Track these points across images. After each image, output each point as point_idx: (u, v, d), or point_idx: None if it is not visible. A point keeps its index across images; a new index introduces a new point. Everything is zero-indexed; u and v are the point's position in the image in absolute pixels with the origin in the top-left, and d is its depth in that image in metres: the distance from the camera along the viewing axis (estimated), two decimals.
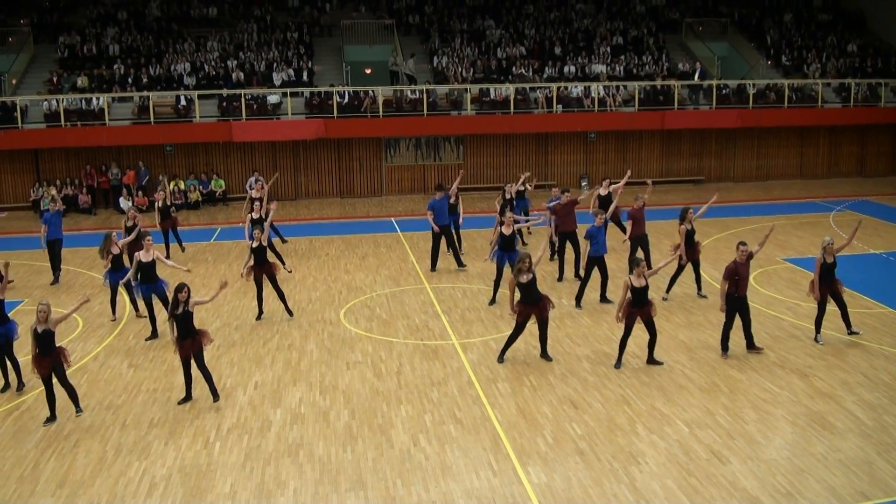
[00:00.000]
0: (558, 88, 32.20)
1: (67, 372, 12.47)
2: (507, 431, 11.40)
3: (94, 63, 33.37)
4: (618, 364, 13.70)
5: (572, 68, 34.13)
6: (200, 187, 30.67)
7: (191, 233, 25.84)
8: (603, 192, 20.83)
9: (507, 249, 17.16)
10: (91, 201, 30.25)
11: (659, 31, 37.67)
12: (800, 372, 13.46)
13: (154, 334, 15.84)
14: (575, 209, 19.11)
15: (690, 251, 17.04)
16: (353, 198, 32.11)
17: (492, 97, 32.14)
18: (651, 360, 13.79)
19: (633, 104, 32.48)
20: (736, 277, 13.86)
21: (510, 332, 14.17)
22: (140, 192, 30.09)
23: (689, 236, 16.96)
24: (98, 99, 30.70)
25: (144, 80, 32.18)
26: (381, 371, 13.84)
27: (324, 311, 17.28)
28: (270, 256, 18.09)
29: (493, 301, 17.49)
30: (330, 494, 9.95)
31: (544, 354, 14.13)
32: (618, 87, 32.78)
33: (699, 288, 17.81)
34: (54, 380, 12.19)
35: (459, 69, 33.40)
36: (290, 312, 16.90)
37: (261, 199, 20.91)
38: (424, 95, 31.24)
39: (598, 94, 32.17)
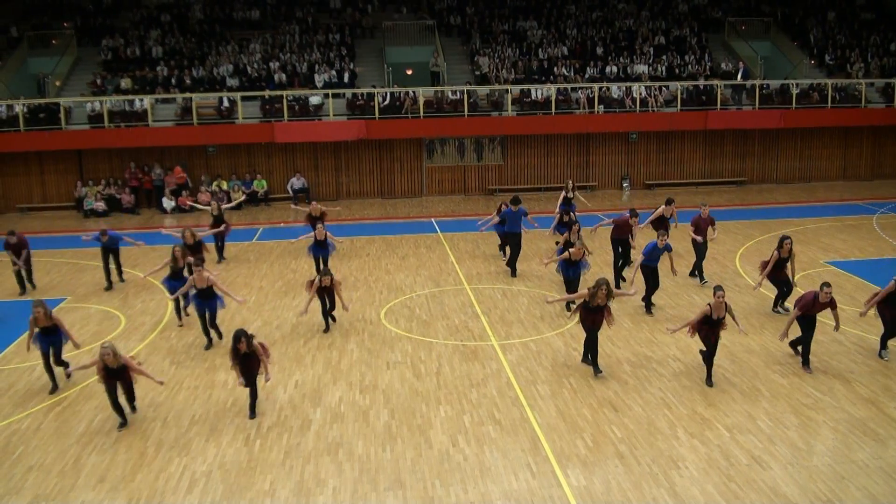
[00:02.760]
0: (600, 89, 32.03)
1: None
2: (547, 433, 11.36)
3: (137, 65, 33.85)
4: (709, 381, 13.01)
5: (614, 68, 33.96)
6: (243, 187, 30.93)
7: (233, 232, 26.04)
8: (667, 214, 19.73)
9: (570, 263, 16.62)
10: (134, 201, 30.65)
11: (701, 31, 37.33)
12: (842, 377, 13.26)
13: (209, 345, 15.44)
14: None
15: (778, 273, 16.14)
16: (393, 198, 32.22)
17: (533, 98, 32.06)
18: (709, 381, 13.02)
19: (676, 104, 32.21)
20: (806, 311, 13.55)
21: (552, 331, 14.12)
22: (184, 192, 30.43)
23: (780, 264, 16.01)
24: (141, 100, 31.13)
25: (187, 81, 32.57)
26: (421, 371, 13.87)
27: (364, 311, 17.36)
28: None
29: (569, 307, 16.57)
30: (369, 493, 9.99)
31: (590, 363, 13.78)
32: (660, 88, 32.53)
33: (777, 304, 16.81)
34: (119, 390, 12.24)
35: (500, 70, 33.35)
36: (330, 322, 16.28)
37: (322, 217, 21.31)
38: (465, 96, 31.25)
39: (640, 94, 31.95)
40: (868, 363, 13.83)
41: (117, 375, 11.91)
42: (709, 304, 12.77)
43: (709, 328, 12.88)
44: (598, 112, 31.77)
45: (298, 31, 36.09)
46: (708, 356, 13.08)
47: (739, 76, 33.97)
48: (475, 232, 24.86)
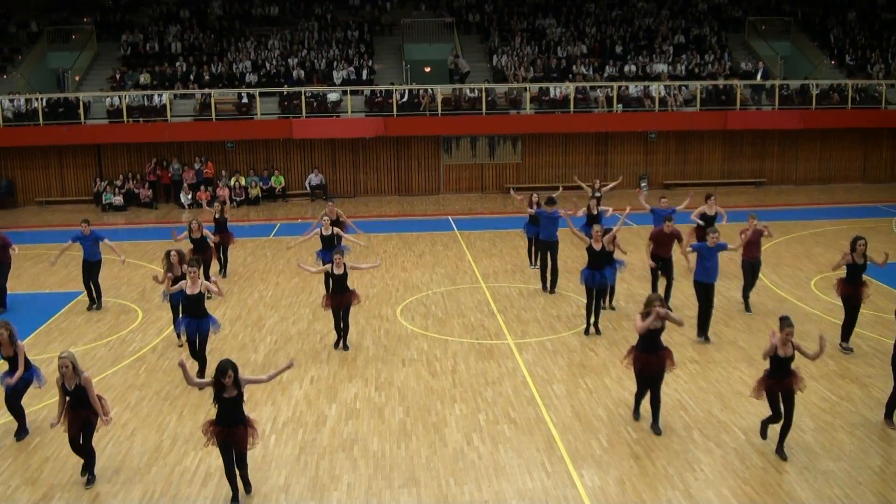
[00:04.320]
0: (619, 88, 31.93)
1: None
2: (562, 433, 11.34)
3: (156, 60, 34.04)
4: (781, 454, 10.64)
5: (633, 67, 33.84)
6: (261, 183, 31.04)
7: (250, 228, 26.24)
8: (710, 210, 18.36)
9: (596, 268, 15.19)
10: (152, 196, 30.81)
11: (721, 30, 37.12)
12: (859, 381, 13.16)
13: (202, 373, 13.46)
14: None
15: (853, 289, 14.24)
16: (410, 196, 32.24)
17: (551, 96, 31.99)
18: (780, 452, 10.67)
19: (695, 104, 32.06)
20: None
21: (568, 331, 14.05)
22: (202, 187, 30.55)
23: (856, 273, 14.21)
24: (160, 96, 31.29)
25: (206, 77, 32.71)
26: (436, 369, 13.87)
27: (380, 308, 17.37)
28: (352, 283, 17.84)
29: (588, 331, 15.47)
30: (383, 490, 10.00)
31: (655, 425, 11.39)
32: (679, 87, 32.40)
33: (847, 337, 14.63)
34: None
35: (519, 68, 33.30)
36: (346, 346, 15.00)
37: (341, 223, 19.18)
38: (483, 94, 31.22)
39: (660, 93, 31.84)
40: (885, 367, 13.65)
41: (74, 396, 10.17)
42: (774, 339, 10.53)
43: (775, 382, 10.60)
44: (616, 111, 31.68)
45: (317, 28, 36.18)
46: (775, 420, 10.76)
47: (759, 76, 33.79)
48: (492, 230, 24.96)
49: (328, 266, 14.67)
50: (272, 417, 12.12)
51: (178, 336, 15.10)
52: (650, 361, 11.13)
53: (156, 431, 11.80)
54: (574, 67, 33.59)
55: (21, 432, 11.72)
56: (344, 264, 14.42)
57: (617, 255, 16.16)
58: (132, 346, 15.49)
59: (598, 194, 20.76)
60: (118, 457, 11.04)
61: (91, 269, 17.74)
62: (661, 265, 16.54)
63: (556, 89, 32.05)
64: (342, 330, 14.89)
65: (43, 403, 12.81)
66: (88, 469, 10.39)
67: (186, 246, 17.96)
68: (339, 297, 14.62)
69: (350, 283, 14.80)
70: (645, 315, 11.05)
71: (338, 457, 10.86)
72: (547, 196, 18.52)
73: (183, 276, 14.43)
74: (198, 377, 13.01)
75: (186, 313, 13.42)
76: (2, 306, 17.85)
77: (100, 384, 13.50)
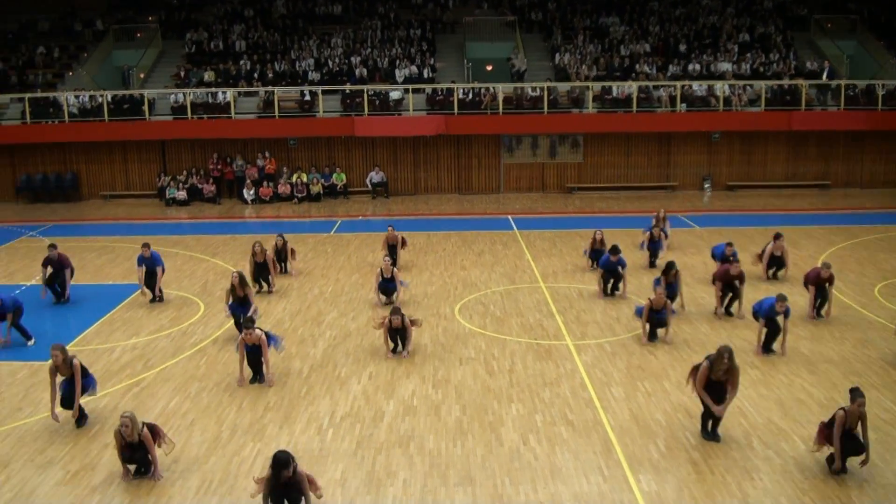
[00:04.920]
0: (682, 87, 31.51)
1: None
2: (619, 437, 11.20)
3: (220, 58, 34.58)
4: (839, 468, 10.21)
5: (697, 66, 33.33)
6: (322, 180, 31.30)
7: (311, 224, 26.49)
8: (777, 251, 18.24)
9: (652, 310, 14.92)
10: (215, 191, 31.27)
11: (786, 28, 36.33)
12: None
13: (254, 378, 13.48)
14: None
15: None
16: (470, 194, 32.22)
17: (614, 95, 31.70)
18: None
19: (759, 104, 31.48)
20: None
21: (628, 333, 13.84)
22: (265, 183, 30.94)
23: None
24: (224, 93, 31.75)
25: (270, 75, 33.09)
26: (494, 368, 13.83)
27: (439, 306, 17.38)
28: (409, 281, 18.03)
29: (654, 337, 15.06)
30: (438, 488, 9.99)
31: (714, 432, 11.21)
32: (744, 87, 31.83)
33: None
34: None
35: (581, 66, 33.07)
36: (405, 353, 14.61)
37: (394, 247, 19.94)
38: (545, 93, 31.07)
39: (724, 93, 31.33)
40: None
41: (136, 452, 10.24)
42: (843, 409, 10.03)
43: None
44: (680, 111, 31.26)
45: (380, 27, 36.37)
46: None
47: (824, 76, 32.99)
48: (552, 230, 24.80)
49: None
50: (330, 412, 12.19)
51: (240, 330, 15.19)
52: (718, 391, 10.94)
53: (215, 422, 11.96)
54: (637, 66, 33.24)
55: (80, 420, 12.00)
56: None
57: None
58: (193, 337, 15.73)
59: (662, 227, 20.71)
60: (177, 446, 11.20)
61: (154, 276, 17.97)
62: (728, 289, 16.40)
63: (619, 88, 31.74)
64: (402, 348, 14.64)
65: (104, 392, 13.08)
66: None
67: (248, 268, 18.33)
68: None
69: (408, 282, 14.91)
70: (708, 359, 10.89)
71: (394, 453, 10.88)
72: (612, 245, 17.93)
73: (244, 297, 15.21)
74: (258, 379, 13.34)
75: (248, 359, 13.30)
76: (64, 297, 18.26)
77: (160, 374, 13.77)
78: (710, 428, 11.12)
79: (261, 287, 18.49)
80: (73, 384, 11.72)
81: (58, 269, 18.02)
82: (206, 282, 19.52)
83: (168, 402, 12.65)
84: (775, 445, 10.93)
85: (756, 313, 14.41)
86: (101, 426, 11.79)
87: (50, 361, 11.69)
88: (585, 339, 15.15)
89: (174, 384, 13.37)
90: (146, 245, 17.96)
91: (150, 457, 10.25)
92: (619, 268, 17.63)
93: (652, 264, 19.98)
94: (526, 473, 10.25)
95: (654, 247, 20.12)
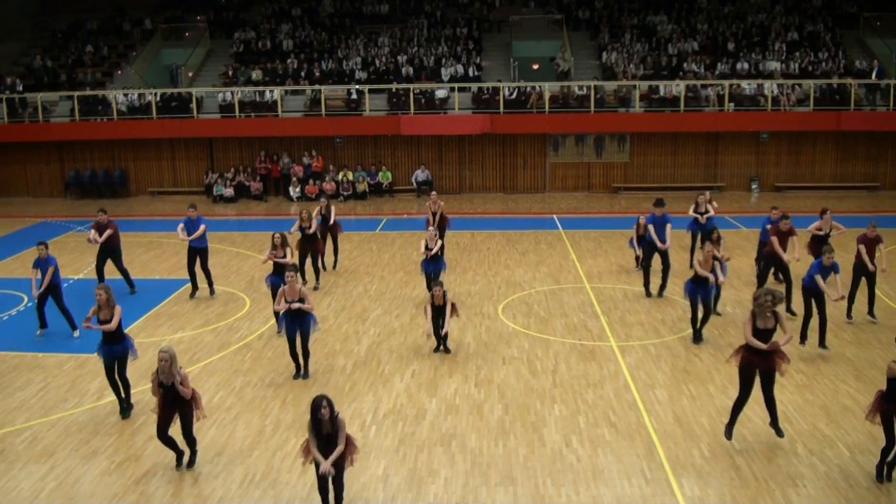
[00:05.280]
0: (730, 86, 31.12)
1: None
2: (663, 440, 11.11)
3: (268, 57, 34.89)
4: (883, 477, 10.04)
5: (745, 65, 32.87)
6: (368, 178, 31.45)
7: (357, 222, 26.63)
8: (825, 227, 16.99)
9: (700, 283, 14.66)
10: (262, 188, 31.56)
11: (835, 26, 35.61)
12: None
13: (297, 373, 13.64)
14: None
15: None
16: (515, 193, 32.17)
17: (661, 94, 31.42)
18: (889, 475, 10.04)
19: (808, 104, 30.95)
20: None
21: (673, 335, 13.68)
22: (311, 181, 31.18)
23: None
24: (271, 91, 32.04)
25: (317, 74, 33.32)
26: (537, 368, 13.79)
27: (482, 305, 17.38)
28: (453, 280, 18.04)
29: (697, 338, 14.94)
30: (480, 487, 9.99)
31: (774, 424, 10.91)
32: (792, 86, 31.32)
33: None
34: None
35: (628, 65, 32.82)
36: (447, 349, 14.69)
37: (436, 214, 20.15)
38: (592, 92, 30.89)
39: (772, 92, 30.88)
40: None
41: (169, 392, 10.28)
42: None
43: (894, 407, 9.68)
44: (728, 110, 30.88)
45: (426, 25, 36.43)
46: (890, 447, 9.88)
47: (874, 75, 32.31)
48: (598, 230, 24.66)
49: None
50: (373, 408, 12.26)
51: (280, 329, 15.17)
52: (758, 361, 10.51)
53: (259, 416, 12.09)
54: (685, 65, 32.90)
55: (125, 409, 12.20)
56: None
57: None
58: (239, 333, 15.90)
59: (707, 209, 19.76)
60: (221, 439, 11.36)
61: (200, 256, 18.04)
62: (777, 266, 16.19)
63: (666, 87, 31.45)
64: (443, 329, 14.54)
65: (149, 384, 13.22)
66: (191, 456, 10.61)
67: (296, 237, 18.31)
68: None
69: (450, 282, 14.79)
70: (753, 315, 10.52)
71: (436, 451, 10.91)
72: (657, 199, 17.93)
73: (284, 256, 15.25)
74: (302, 374, 13.46)
75: (287, 314, 13.29)
76: (131, 286, 18.67)
77: (205, 369, 13.94)
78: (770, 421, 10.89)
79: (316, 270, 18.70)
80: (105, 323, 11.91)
81: (112, 249, 18.33)
82: (253, 278, 19.70)
83: (213, 397, 12.80)
84: (820, 452, 10.74)
85: (807, 290, 14.09)
86: (146, 418, 11.96)
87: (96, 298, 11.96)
88: (630, 341, 15.05)
89: (219, 378, 13.54)
90: (193, 206, 18.18)
91: (185, 403, 10.24)
92: (667, 225, 17.17)
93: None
94: (568, 475, 10.21)
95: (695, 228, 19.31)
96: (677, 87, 31.02)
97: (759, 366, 10.54)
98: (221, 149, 32.62)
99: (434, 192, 21.61)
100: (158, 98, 31.91)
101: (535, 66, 34.59)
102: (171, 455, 10.68)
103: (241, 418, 12.05)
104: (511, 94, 31.38)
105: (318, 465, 9.12)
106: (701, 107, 31.20)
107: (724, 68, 32.78)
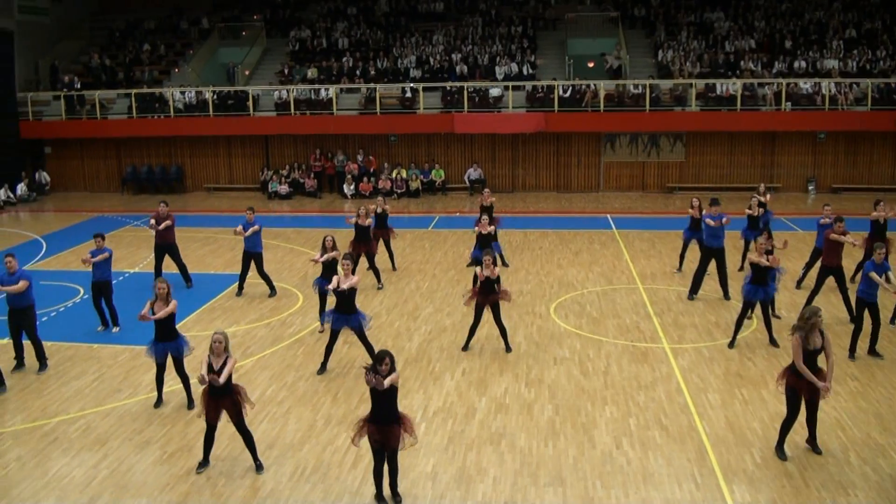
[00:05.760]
0: (787, 85, 30.59)
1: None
2: (714, 445, 10.97)
3: (323, 56, 35.19)
4: None
5: (803, 63, 32.25)
6: (421, 176, 31.55)
7: (409, 220, 26.73)
8: (879, 218, 16.73)
9: (760, 283, 14.30)
10: (317, 186, 31.83)
11: (893, 24, 34.71)
12: None
13: (322, 369, 13.75)
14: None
15: None
16: (569, 192, 32.03)
17: (718, 93, 31.00)
18: None
19: (866, 103, 30.30)
20: None
21: (727, 338, 13.40)
22: (366, 178, 31.39)
23: None
24: (327, 90, 32.31)
25: (372, 72, 33.50)
26: (588, 369, 13.72)
27: (534, 305, 17.33)
28: (505, 279, 17.82)
29: (733, 344, 14.70)
30: (528, 487, 9.97)
31: (812, 441, 10.80)
32: (850, 85, 30.68)
33: None
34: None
35: (685, 63, 32.45)
36: (508, 348, 14.62)
37: (490, 209, 20.00)
38: (647, 90, 30.62)
39: (830, 91, 30.28)
40: None
41: (220, 388, 10.20)
42: None
43: None
44: (785, 109, 30.37)
45: (481, 23, 36.42)
46: None
47: None
48: (652, 230, 24.47)
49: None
50: (423, 406, 12.31)
51: (322, 324, 15.53)
52: (806, 385, 10.28)
53: (310, 411, 12.21)
54: (742, 63, 32.41)
55: (190, 404, 12.47)
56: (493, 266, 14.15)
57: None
58: (292, 328, 16.06)
59: (762, 199, 19.61)
60: (273, 432, 11.51)
61: (255, 260, 18.13)
62: (835, 275, 15.68)
63: (723, 86, 31.02)
64: (501, 332, 14.55)
65: None
66: (251, 452, 10.60)
67: (350, 234, 18.42)
68: (483, 298, 14.18)
69: (502, 280, 14.72)
70: (799, 330, 10.24)
71: (485, 450, 10.91)
72: (712, 198, 17.72)
73: (333, 263, 15.10)
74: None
75: (336, 308, 13.34)
76: (188, 280, 19.01)
77: (258, 363, 14.12)
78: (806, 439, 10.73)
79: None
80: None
81: (170, 244, 18.64)
82: (306, 274, 19.87)
83: (265, 390, 12.96)
84: (873, 461, 10.51)
85: (861, 301, 13.71)
86: (198, 409, 12.12)
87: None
88: (683, 343, 14.89)
89: (271, 372, 13.70)
90: (251, 209, 18.27)
91: (231, 396, 10.27)
92: (722, 220, 16.79)
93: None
94: (618, 477, 10.15)
95: (751, 226, 18.80)
96: (734, 86, 30.60)
97: (806, 389, 10.34)
98: (277, 146, 33.01)
99: (487, 189, 21.66)
100: (215, 96, 32.39)
101: (591, 65, 34.40)
102: (224, 446, 10.90)
103: (292, 412, 12.19)
104: (565, 92, 31.23)
105: (376, 454, 9.41)
106: (758, 106, 30.74)
107: (782, 67, 32.24)
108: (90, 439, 11.46)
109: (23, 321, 13.81)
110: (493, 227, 17.83)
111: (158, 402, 12.52)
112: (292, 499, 9.82)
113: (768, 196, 20.14)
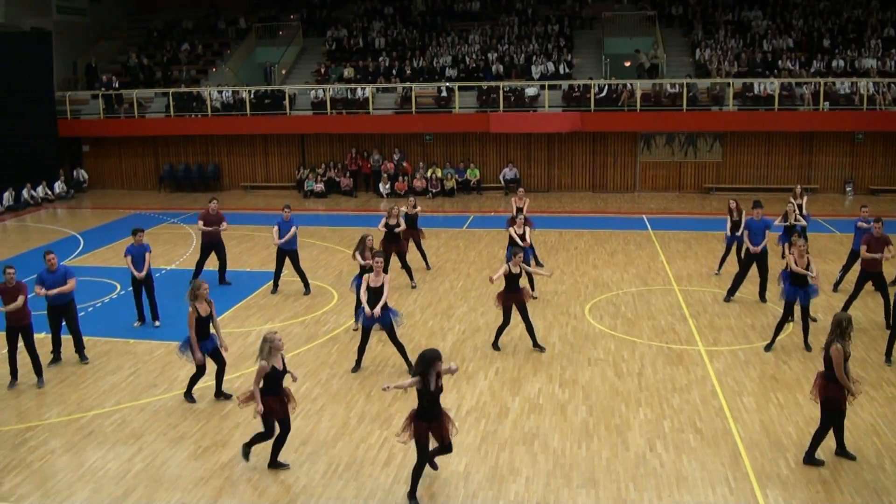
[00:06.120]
0: (825, 84, 30.18)
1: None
2: (749, 449, 10.87)
3: (360, 55, 35.36)
4: None
5: (841, 62, 31.79)
6: (456, 175, 31.58)
7: (444, 219, 26.76)
8: None
9: (799, 284, 14.24)
10: (352, 184, 31.98)
11: None
12: None
13: (357, 367, 13.89)
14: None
15: None
16: (605, 192, 31.89)
17: (755, 92, 30.69)
18: None
19: None
20: None
21: (763, 341, 13.21)
22: (400, 177, 31.49)
23: None
24: (363, 89, 32.44)
25: (408, 71, 33.58)
26: (623, 371, 13.67)
27: (569, 305, 17.29)
28: (539, 280, 17.98)
29: (770, 347, 14.52)
30: (561, 488, 9.97)
31: (842, 451, 10.66)
32: (888, 84, 30.20)
33: None
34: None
35: (723, 62, 32.16)
36: (540, 347, 14.69)
37: (521, 210, 19.78)
38: (684, 90, 30.40)
39: (868, 91, 29.83)
40: None
41: (279, 381, 10.41)
42: None
43: None
44: (822, 109, 29.98)
45: (517, 23, 36.36)
46: None
47: None
48: (688, 231, 24.29)
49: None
50: (456, 405, 12.33)
51: (357, 322, 15.33)
52: (840, 395, 10.19)
53: (344, 408, 12.30)
54: (779, 62, 32.03)
55: (220, 395, 12.71)
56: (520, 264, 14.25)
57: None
58: (326, 326, 16.18)
59: (799, 201, 19.42)
60: (306, 429, 11.61)
61: (290, 258, 18.26)
62: (874, 280, 15.41)
63: (761, 85, 30.70)
64: (528, 330, 14.59)
65: (239, 373, 13.63)
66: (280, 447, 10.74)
67: (380, 234, 18.50)
68: (510, 295, 14.30)
69: (537, 280, 14.74)
70: (839, 339, 10.07)
71: (518, 450, 10.92)
72: (753, 200, 17.54)
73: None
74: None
75: (368, 305, 13.41)
76: (223, 278, 19.23)
77: (292, 360, 14.18)
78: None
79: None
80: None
81: (216, 243, 18.84)
82: (341, 272, 19.99)
83: (299, 387, 13.04)
84: None
85: None
86: (234, 405, 12.29)
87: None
88: (718, 346, 14.79)
89: (306, 370, 13.80)
90: (287, 207, 18.41)
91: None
92: (765, 230, 16.58)
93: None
94: (651, 480, 10.11)
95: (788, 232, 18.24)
96: (771, 86, 30.28)
97: (844, 399, 10.24)
98: (313, 145, 33.23)
99: (521, 189, 21.64)
100: (252, 95, 32.65)
101: (627, 64, 34.21)
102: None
103: (326, 409, 12.28)
104: (601, 91, 31.08)
105: (422, 452, 9.56)
106: (795, 105, 30.37)
107: (819, 66, 31.80)
108: (125, 433, 11.65)
109: (67, 315, 14.12)
110: (527, 228, 17.69)
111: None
112: (325, 495, 9.90)
113: (805, 199, 19.92)
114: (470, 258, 21.52)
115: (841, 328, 10.16)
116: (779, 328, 14.51)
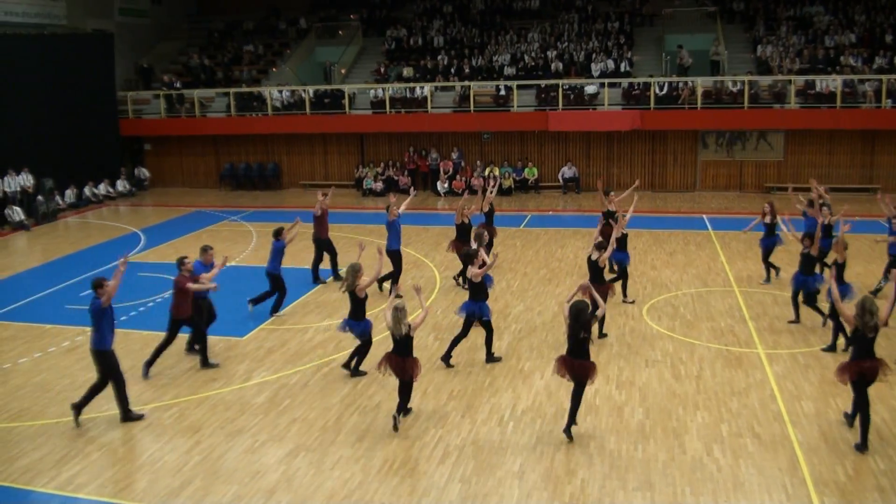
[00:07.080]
0: (888, 81, 29.42)
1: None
2: (807, 455, 10.72)
3: (419, 54, 35.53)
4: None
5: None
6: (514, 174, 31.56)
7: (501, 218, 26.66)
8: None
9: (807, 273, 14.86)
10: (411, 183, 32.13)
11: None
12: None
13: (494, 358, 14.28)
14: None
15: None
16: (664, 192, 31.59)
17: (817, 90, 30.09)
18: None
19: None
20: None
21: (823, 344, 13.09)
22: (458, 176, 31.57)
23: None
24: (422, 88, 32.59)
25: (466, 70, 33.63)
26: (680, 373, 13.57)
27: (626, 306, 17.20)
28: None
29: (832, 348, 14.39)
30: (617, 490, 9.95)
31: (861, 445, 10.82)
32: None
33: None
34: None
35: (784, 59, 31.60)
36: (602, 334, 15.12)
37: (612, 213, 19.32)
38: (746, 87, 29.96)
39: None
40: None
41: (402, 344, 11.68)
42: None
43: None
44: (885, 107, 29.25)
45: (577, 20, 36.18)
46: None
47: None
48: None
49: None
50: (512, 404, 12.38)
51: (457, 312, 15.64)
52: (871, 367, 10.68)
53: None
54: (842, 58, 31.34)
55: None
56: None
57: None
58: (383, 323, 16.18)
59: (824, 198, 18.79)
60: (362, 425, 11.78)
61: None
62: None
63: (822, 82, 30.08)
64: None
65: (295, 369, 13.88)
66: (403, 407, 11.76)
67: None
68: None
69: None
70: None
71: (574, 451, 10.92)
72: (807, 198, 17.27)
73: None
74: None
75: (472, 297, 14.15)
76: (318, 277, 19.71)
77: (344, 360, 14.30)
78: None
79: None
80: None
81: (323, 238, 19.54)
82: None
83: (356, 384, 13.25)
84: None
85: None
86: (291, 401, 12.56)
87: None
88: (778, 349, 14.59)
89: (363, 367, 13.88)
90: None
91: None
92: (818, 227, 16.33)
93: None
94: (707, 484, 10.04)
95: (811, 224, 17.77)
96: (833, 83, 29.66)
97: (869, 371, 10.69)
98: (372, 143, 33.49)
99: (612, 192, 20.99)
100: (312, 94, 33.02)
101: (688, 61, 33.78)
102: (314, 437, 11.34)
103: (382, 406, 12.40)
104: (661, 89, 30.80)
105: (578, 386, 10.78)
106: (857, 103, 29.69)
107: (882, 62, 30.99)
108: (183, 426, 11.92)
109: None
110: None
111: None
112: (381, 491, 10.03)
113: (828, 196, 19.31)
114: (527, 257, 21.52)
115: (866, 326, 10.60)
116: (837, 328, 14.23)
